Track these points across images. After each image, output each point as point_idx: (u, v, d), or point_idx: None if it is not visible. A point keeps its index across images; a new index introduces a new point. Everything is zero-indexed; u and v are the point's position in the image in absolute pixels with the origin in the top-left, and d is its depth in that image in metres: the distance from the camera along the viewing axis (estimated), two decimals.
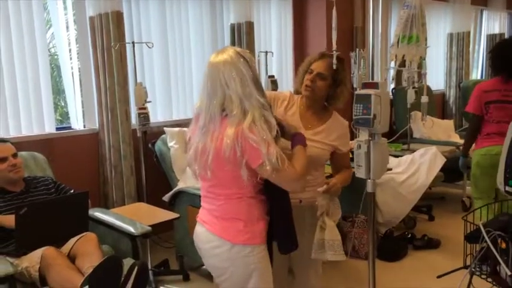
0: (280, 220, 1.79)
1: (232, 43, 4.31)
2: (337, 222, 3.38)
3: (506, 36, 7.60)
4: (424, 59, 2.10)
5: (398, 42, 1.99)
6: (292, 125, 1.89)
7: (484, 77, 7.26)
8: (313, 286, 2.18)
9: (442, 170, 3.94)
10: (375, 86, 1.85)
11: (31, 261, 2.28)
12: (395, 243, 3.62)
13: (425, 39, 2.03)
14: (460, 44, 6.42)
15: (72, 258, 2.37)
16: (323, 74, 2.00)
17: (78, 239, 2.43)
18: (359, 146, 1.90)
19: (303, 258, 2.10)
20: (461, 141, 4.62)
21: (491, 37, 7.29)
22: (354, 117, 1.90)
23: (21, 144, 3.12)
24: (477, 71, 7.34)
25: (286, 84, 5.01)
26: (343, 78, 2.04)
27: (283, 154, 1.66)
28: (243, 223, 1.73)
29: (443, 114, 6.47)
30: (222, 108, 1.68)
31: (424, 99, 2.46)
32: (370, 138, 1.89)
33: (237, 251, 1.73)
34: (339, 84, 2.03)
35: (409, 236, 3.76)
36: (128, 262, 2.26)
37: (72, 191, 2.80)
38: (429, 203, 4.41)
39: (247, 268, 1.74)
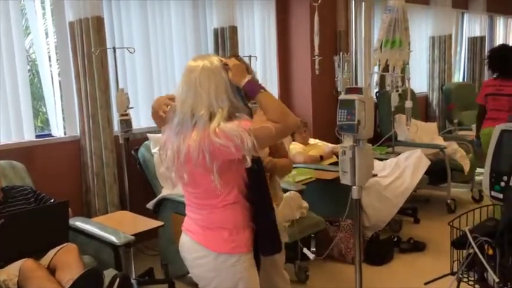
0: (263, 222, 1.76)
1: (216, 48, 4.27)
2: (323, 227, 3.39)
3: (486, 38, 7.70)
4: (408, 64, 2.09)
5: (381, 46, 1.98)
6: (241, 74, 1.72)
7: (466, 79, 7.35)
8: None
9: (426, 172, 3.95)
10: (358, 91, 1.84)
11: (9, 274, 2.21)
12: (381, 247, 3.61)
13: (409, 44, 2.03)
14: (442, 47, 6.48)
15: (52, 270, 2.30)
16: None
17: (58, 250, 2.37)
18: (344, 152, 1.89)
19: (266, 262, 2.07)
20: (445, 144, 4.70)
21: (472, 40, 7.38)
22: (338, 123, 1.88)
23: (0, 152, 3.04)
24: (459, 74, 7.42)
25: (271, 89, 4.98)
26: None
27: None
28: (228, 232, 1.70)
29: (427, 116, 6.51)
30: (193, 112, 1.64)
31: (408, 104, 2.46)
32: (354, 144, 1.88)
33: (223, 260, 1.70)
34: None
35: (395, 239, 3.76)
36: (109, 273, 2.20)
37: (52, 201, 2.73)
38: (414, 206, 4.42)
39: (234, 278, 1.71)
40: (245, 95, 1.71)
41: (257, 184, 1.75)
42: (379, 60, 1.99)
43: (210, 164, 1.60)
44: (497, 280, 1.66)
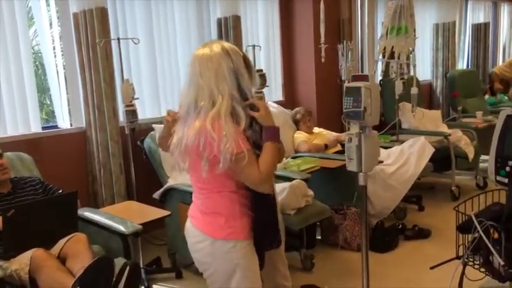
0: (260, 216, 1.77)
1: (220, 37, 4.27)
2: (328, 215, 3.42)
3: (490, 25, 7.66)
4: (413, 50, 2.09)
5: (387, 33, 1.98)
6: (269, 117, 1.77)
7: (470, 67, 7.32)
8: (285, 275, 2.17)
9: (431, 160, 3.96)
10: (364, 78, 1.85)
11: (20, 263, 2.24)
12: (386, 234, 3.64)
13: (414, 30, 2.03)
14: (445, 34, 6.45)
15: (62, 259, 2.33)
16: None
17: (67, 240, 2.40)
18: (350, 139, 1.90)
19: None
20: (449, 131, 4.70)
21: (476, 27, 7.33)
22: (344, 110, 1.89)
23: (7, 144, 3.06)
24: (463, 61, 7.38)
25: (275, 78, 4.99)
26: None
27: (250, 153, 1.63)
28: (224, 218, 1.73)
29: (431, 104, 6.51)
30: (196, 103, 1.68)
31: (414, 90, 2.46)
32: (360, 131, 1.89)
33: (219, 246, 1.73)
34: None
35: (400, 226, 3.78)
36: (119, 262, 2.23)
37: (60, 191, 2.76)
38: (419, 193, 4.44)
39: (230, 264, 1.73)
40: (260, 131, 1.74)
41: None
42: (385, 48, 1.99)
43: (202, 150, 1.63)
44: (502, 263, 1.68)
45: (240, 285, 1.75)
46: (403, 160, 3.86)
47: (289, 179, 3.17)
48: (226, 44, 1.73)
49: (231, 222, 1.73)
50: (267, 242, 1.83)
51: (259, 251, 1.82)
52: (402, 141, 4.23)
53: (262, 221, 1.77)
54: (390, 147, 4.11)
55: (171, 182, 3.31)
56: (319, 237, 3.68)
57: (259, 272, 1.81)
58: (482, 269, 1.86)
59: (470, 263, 1.88)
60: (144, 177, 3.63)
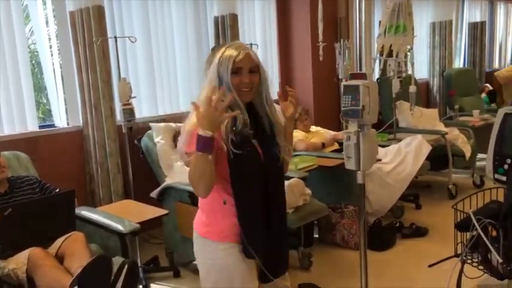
0: (248, 227, 1.64)
1: (216, 36, 4.26)
2: (326, 213, 3.42)
3: (487, 24, 7.67)
4: (412, 49, 2.09)
5: (385, 32, 1.98)
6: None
7: (466, 65, 7.33)
8: (284, 275, 2.15)
9: (428, 158, 3.97)
10: (363, 76, 1.84)
11: (18, 262, 2.23)
12: (383, 233, 3.65)
13: (412, 29, 2.03)
14: (442, 33, 6.46)
15: (59, 258, 2.32)
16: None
17: (65, 239, 2.39)
18: (348, 138, 1.89)
19: None
20: (446, 130, 4.71)
21: (472, 25, 7.35)
22: (342, 109, 1.89)
23: (4, 143, 3.06)
24: (459, 60, 7.40)
25: (272, 76, 4.98)
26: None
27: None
28: (205, 215, 1.73)
29: (428, 103, 6.52)
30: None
31: (412, 89, 2.46)
32: (359, 130, 1.89)
33: (200, 241, 1.73)
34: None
35: (397, 225, 3.79)
36: (117, 261, 2.23)
37: (57, 190, 2.75)
38: (416, 192, 4.45)
39: (206, 262, 1.72)
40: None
41: (239, 181, 1.62)
42: (383, 46, 1.99)
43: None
44: (500, 261, 1.69)
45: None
46: (400, 158, 3.87)
47: (287, 178, 3.17)
48: (227, 51, 1.63)
49: (210, 221, 1.71)
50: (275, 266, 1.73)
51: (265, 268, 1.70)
52: (399, 140, 4.24)
53: (247, 232, 1.63)
54: (387, 146, 4.11)
55: (168, 181, 3.30)
56: (317, 236, 3.68)
57: (243, 278, 1.68)
58: (481, 267, 1.86)
59: (469, 261, 1.89)
60: (141, 176, 3.63)
